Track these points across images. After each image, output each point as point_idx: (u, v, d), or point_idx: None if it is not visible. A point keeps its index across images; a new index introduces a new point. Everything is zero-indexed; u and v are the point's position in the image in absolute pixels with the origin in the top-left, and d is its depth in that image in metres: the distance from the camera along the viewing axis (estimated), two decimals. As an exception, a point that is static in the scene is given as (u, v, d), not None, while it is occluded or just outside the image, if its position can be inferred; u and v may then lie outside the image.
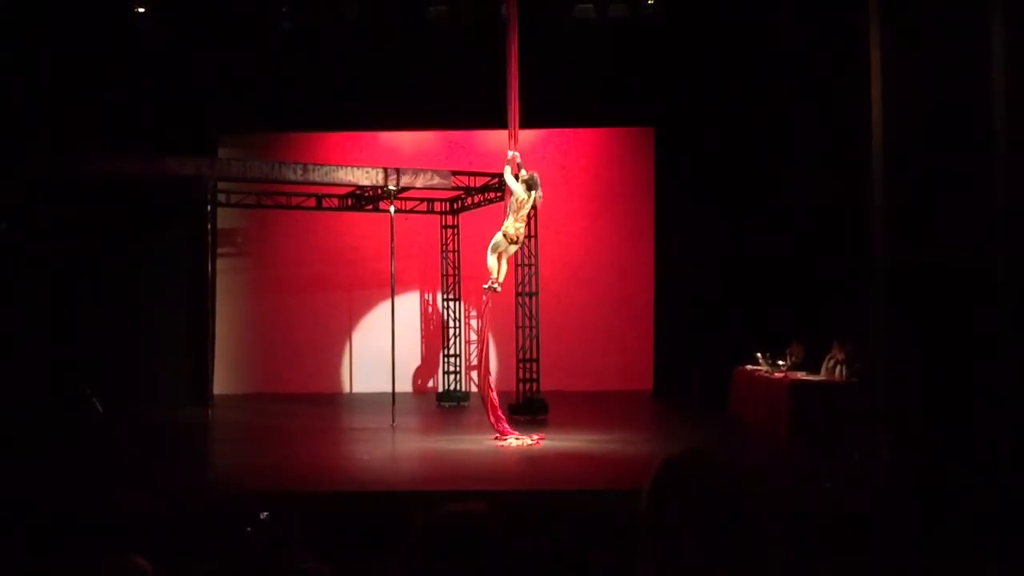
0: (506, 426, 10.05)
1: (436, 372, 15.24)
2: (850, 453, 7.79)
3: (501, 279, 10.08)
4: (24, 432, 9.89)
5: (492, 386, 10.31)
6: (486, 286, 10.06)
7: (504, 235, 9.78)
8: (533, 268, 12.20)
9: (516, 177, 9.71)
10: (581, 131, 15.13)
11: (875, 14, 6.21)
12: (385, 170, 11.74)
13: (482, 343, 10.73)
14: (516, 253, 10.68)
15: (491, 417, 10.09)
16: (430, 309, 15.51)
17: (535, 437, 9.89)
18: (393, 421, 11.19)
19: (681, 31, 12.86)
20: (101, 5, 11.62)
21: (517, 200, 9.70)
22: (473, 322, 15.56)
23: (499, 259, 9.98)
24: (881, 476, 6.48)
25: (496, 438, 9.87)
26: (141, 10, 12.19)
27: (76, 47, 11.78)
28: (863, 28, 6.45)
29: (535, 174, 9.74)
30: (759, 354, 10.97)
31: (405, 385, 14.75)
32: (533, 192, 9.64)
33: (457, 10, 12.29)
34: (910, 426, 6.02)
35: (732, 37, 12.58)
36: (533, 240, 12.13)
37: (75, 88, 11.95)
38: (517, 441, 9.73)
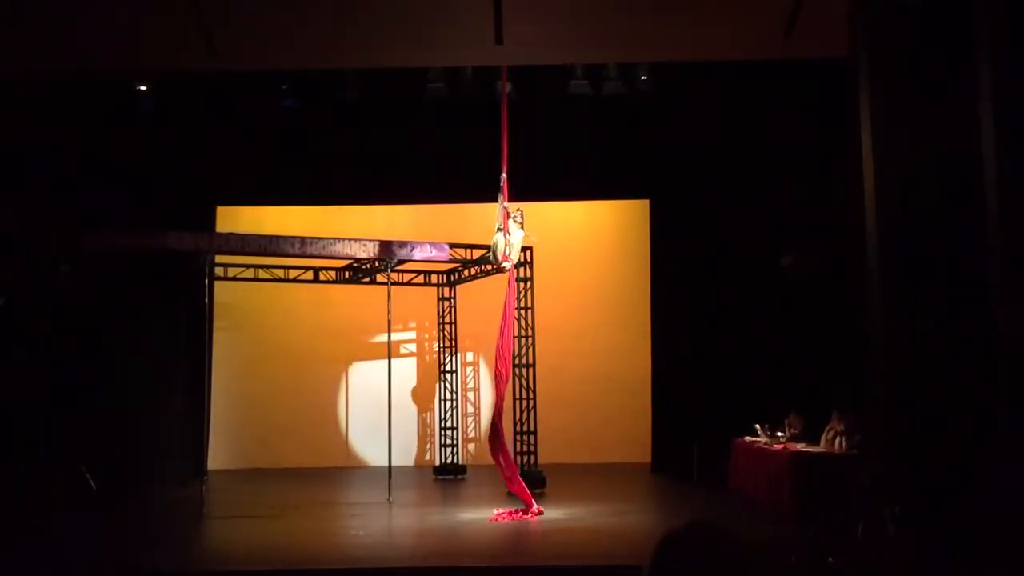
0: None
1: (433, 445, 15.11)
2: (854, 526, 7.69)
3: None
4: (18, 507, 9.75)
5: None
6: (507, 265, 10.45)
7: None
8: (530, 340, 12.18)
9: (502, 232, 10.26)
10: (576, 204, 15.27)
11: (865, 90, 6.34)
12: (382, 243, 11.81)
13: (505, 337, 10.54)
14: (513, 325, 10.81)
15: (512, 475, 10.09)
16: (427, 381, 15.44)
17: (533, 510, 9.75)
18: (390, 496, 11.05)
19: (675, 105, 13.06)
20: (102, 82, 11.80)
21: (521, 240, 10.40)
22: (471, 394, 15.49)
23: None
24: (886, 550, 6.39)
25: (499, 513, 9.72)
26: (143, 88, 12.39)
27: (75, 121, 11.93)
28: (854, 100, 6.57)
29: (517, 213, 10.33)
30: (757, 426, 10.90)
31: (402, 458, 14.60)
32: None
33: (455, 88, 12.52)
34: (913, 499, 5.96)
35: (726, 109, 12.80)
36: (530, 312, 12.15)
37: (73, 162, 12.07)
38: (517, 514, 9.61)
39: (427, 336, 15.54)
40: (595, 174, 13.67)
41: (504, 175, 10.13)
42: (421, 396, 15.51)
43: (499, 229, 10.25)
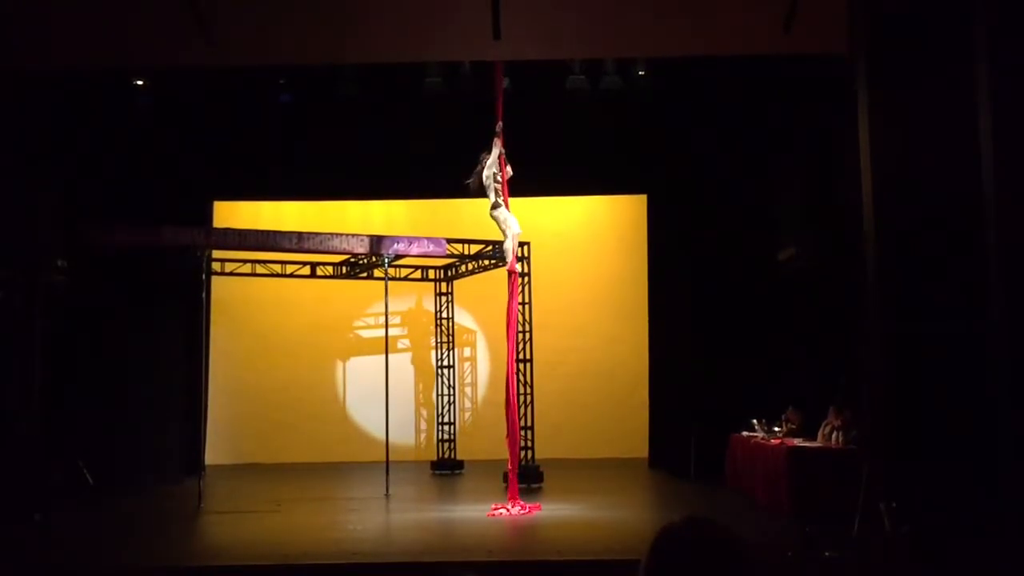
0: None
1: (431, 440, 15.11)
2: (851, 521, 7.70)
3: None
4: (15, 501, 9.74)
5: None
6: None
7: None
8: (528, 335, 12.18)
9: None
10: (574, 199, 15.26)
11: (863, 86, 6.33)
12: (379, 238, 11.80)
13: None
14: (511, 321, 10.86)
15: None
16: (424, 376, 15.45)
17: (528, 507, 9.75)
18: (387, 490, 11.06)
19: (673, 101, 13.05)
20: (99, 78, 11.75)
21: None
22: (468, 389, 15.50)
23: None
24: (882, 545, 6.41)
25: (495, 508, 9.72)
26: (139, 83, 12.35)
27: (73, 117, 11.89)
28: (851, 99, 6.57)
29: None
30: (755, 420, 10.91)
31: (399, 453, 14.61)
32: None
33: (452, 82, 12.49)
34: (910, 494, 5.98)
35: (724, 104, 12.77)
36: (528, 307, 12.15)
37: (70, 157, 12.03)
38: (514, 510, 9.61)
39: (424, 331, 15.52)
40: (593, 170, 13.64)
41: (500, 123, 10.12)
42: (418, 391, 15.51)
43: (495, 202, 10.18)
